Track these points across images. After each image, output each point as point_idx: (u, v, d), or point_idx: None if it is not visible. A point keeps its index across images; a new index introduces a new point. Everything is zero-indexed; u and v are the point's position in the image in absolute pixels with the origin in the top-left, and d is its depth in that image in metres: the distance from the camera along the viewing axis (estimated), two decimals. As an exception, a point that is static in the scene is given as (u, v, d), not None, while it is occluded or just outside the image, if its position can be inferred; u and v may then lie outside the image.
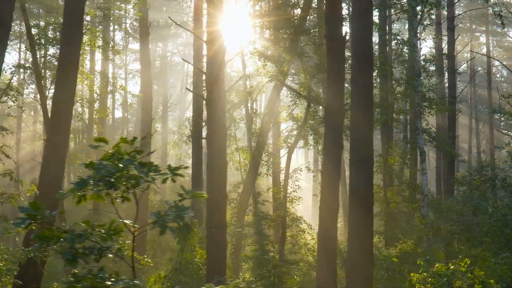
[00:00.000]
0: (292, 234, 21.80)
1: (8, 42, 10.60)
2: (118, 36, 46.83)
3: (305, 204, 33.95)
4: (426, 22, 22.37)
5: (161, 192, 34.14)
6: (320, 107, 24.06)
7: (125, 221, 4.72)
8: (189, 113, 47.18)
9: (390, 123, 22.13)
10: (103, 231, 4.73)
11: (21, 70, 24.26)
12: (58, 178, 11.32)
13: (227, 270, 14.89)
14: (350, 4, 30.09)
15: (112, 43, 24.94)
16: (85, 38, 20.09)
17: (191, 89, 23.28)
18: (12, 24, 16.02)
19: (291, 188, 22.86)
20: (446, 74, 28.52)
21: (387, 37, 24.34)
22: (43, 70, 21.06)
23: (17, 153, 37.57)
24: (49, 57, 22.60)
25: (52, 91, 22.16)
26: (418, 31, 21.54)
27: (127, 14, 37.94)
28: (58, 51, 24.22)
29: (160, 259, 22.88)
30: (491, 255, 14.35)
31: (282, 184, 23.51)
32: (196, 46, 22.77)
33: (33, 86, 33.31)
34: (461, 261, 11.33)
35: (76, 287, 4.41)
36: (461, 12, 40.94)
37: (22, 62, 35.87)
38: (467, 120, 46.13)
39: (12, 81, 22.37)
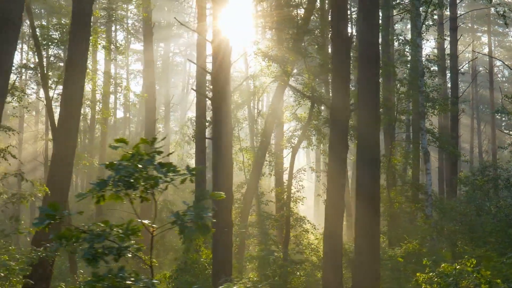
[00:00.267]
0: (295, 234, 21.83)
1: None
2: (120, 36, 46.91)
3: (307, 204, 33.97)
4: (429, 22, 22.42)
5: (163, 192, 34.09)
6: (324, 107, 24.10)
7: (143, 221, 4.76)
8: (191, 114, 47.25)
9: (393, 123, 22.16)
10: (121, 231, 4.77)
11: (23, 70, 24.29)
12: (66, 179, 11.36)
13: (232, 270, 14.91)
14: (353, 4, 30.17)
15: (116, 43, 24.94)
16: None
17: (192, 89, 23.29)
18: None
19: (295, 188, 22.89)
20: (448, 74, 28.59)
21: (389, 37, 24.39)
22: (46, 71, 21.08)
23: (19, 153, 37.61)
24: (51, 57, 22.64)
25: (54, 91, 22.28)
26: (421, 31, 21.59)
27: (128, 14, 38.01)
28: (60, 52, 24.29)
29: (163, 259, 22.91)
30: (496, 255, 14.38)
31: (285, 184, 23.53)
32: (199, 46, 22.78)
33: (34, 86, 33.38)
34: (467, 261, 11.38)
35: (97, 287, 4.45)
36: (463, 12, 40.94)
37: (24, 62, 35.89)
38: (468, 120, 46.17)
39: (15, 82, 22.39)
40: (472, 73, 42.25)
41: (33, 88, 34.38)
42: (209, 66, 20.23)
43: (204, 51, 23.14)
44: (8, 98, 18.41)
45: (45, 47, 20.86)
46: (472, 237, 16.77)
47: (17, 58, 39.74)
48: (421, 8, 21.62)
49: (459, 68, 28.70)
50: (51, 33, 21.39)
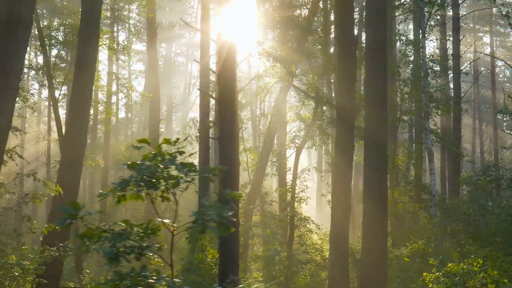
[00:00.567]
0: (299, 234, 21.88)
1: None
2: (121, 37, 46.93)
3: (308, 204, 34.02)
4: (431, 22, 22.45)
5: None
6: (326, 107, 24.15)
7: (164, 220, 4.80)
8: (193, 114, 47.31)
9: (397, 123, 22.21)
10: (141, 230, 4.81)
11: (27, 71, 24.32)
12: (76, 179, 11.40)
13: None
14: (355, 5, 30.20)
15: (119, 44, 24.96)
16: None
17: (198, 89, 23.33)
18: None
19: (299, 188, 22.93)
20: (450, 74, 28.63)
21: (392, 37, 24.44)
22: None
23: (22, 153, 37.62)
24: (54, 58, 22.65)
25: (60, 92, 22.30)
26: (425, 32, 21.64)
27: (130, 15, 38.00)
28: (63, 52, 24.32)
29: (167, 259, 22.93)
30: (501, 255, 14.42)
31: (288, 184, 23.58)
32: (202, 47, 22.81)
33: (36, 86, 33.43)
34: (474, 261, 11.43)
35: (120, 285, 4.49)
36: (465, 13, 41.04)
37: (26, 62, 35.91)
38: (470, 121, 46.22)
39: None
40: (474, 74, 42.32)
41: (35, 89, 34.43)
42: (213, 67, 20.27)
43: (208, 51, 23.18)
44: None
45: (51, 48, 20.87)
46: (476, 237, 16.81)
47: (19, 58, 39.55)
48: (425, 9, 21.66)
49: (462, 68, 28.80)
50: (53, 33, 21.38)
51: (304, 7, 22.32)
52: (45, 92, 35.82)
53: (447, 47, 29.95)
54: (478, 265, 11.32)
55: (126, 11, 26.95)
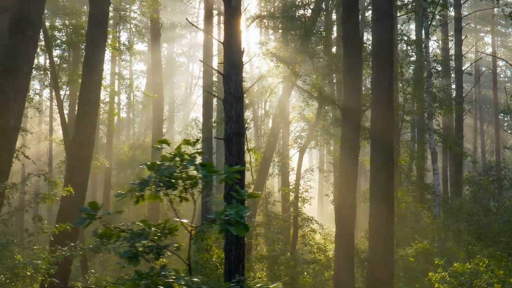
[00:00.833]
0: (302, 234, 21.91)
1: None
2: (123, 37, 46.89)
3: (311, 204, 34.04)
4: (434, 23, 22.50)
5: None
6: (329, 107, 24.16)
7: (182, 220, 4.84)
8: (194, 114, 47.33)
9: (400, 123, 22.26)
10: (158, 230, 4.85)
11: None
12: (84, 179, 11.44)
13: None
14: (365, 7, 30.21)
15: (120, 44, 24.95)
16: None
17: (201, 90, 23.35)
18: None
19: (303, 188, 22.97)
20: (452, 74, 28.64)
21: (395, 37, 24.45)
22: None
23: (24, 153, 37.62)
24: (56, 59, 22.64)
25: (65, 92, 22.30)
26: (429, 32, 21.68)
27: (133, 15, 37.99)
28: (65, 53, 24.28)
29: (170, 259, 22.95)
30: (506, 255, 14.47)
31: (291, 184, 23.60)
32: (205, 47, 22.84)
33: (38, 87, 33.40)
34: (480, 261, 11.47)
35: (139, 285, 4.52)
36: (467, 13, 41.07)
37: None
38: (471, 121, 46.26)
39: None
40: (476, 74, 42.36)
41: (36, 89, 34.39)
42: (215, 67, 20.28)
43: (211, 51, 23.22)
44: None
45: (56, 48, 20.87)
46: (480, 237, 16.85)
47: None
48: (428, 9, 21.71)
49: (463, 68, 28.83)
50: (56, 33, 21.34)
51: (307, 7, 22.35)
52: (46, 92, 35.86)
53: (449, 47, 29.99)
54: (484, 265, 11.36)
55: (131, 11, 26.91)
